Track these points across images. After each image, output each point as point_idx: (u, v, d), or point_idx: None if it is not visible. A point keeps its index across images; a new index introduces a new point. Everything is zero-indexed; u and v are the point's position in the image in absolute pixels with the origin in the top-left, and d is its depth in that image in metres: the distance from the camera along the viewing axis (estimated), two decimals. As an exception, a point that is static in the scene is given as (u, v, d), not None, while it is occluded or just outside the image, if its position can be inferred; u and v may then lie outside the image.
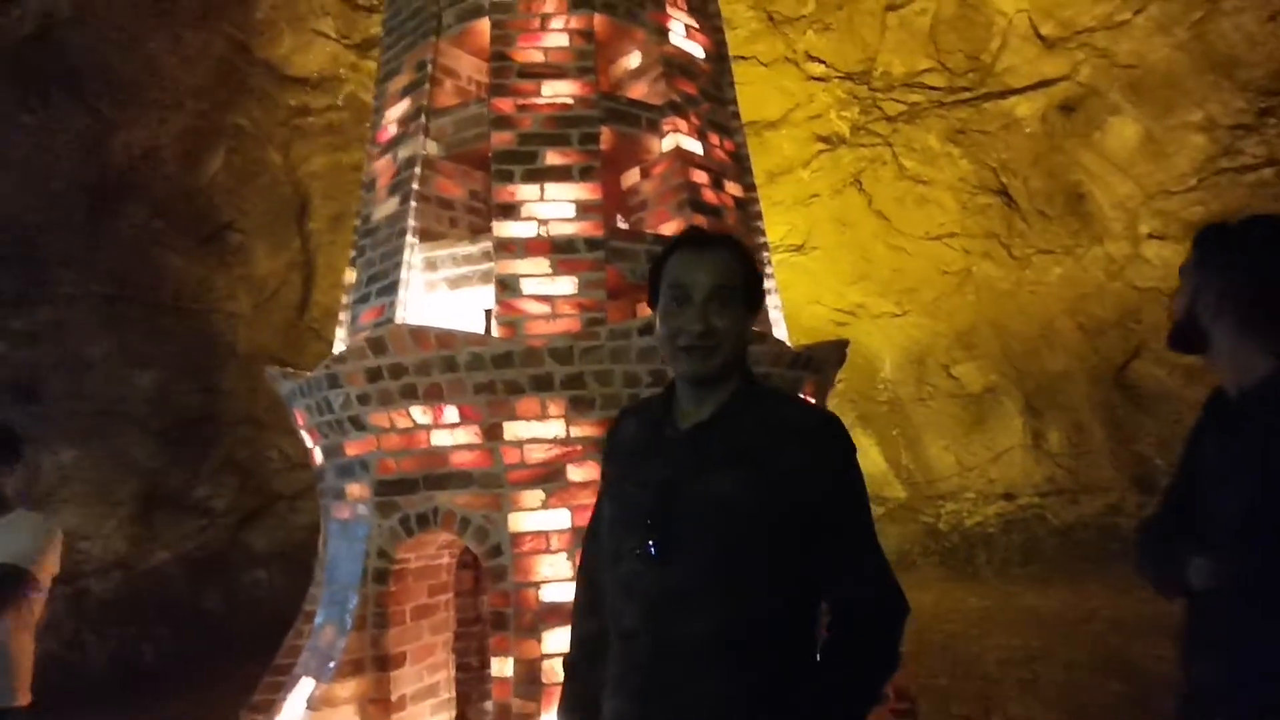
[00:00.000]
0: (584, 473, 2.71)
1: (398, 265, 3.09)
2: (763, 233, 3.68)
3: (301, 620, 3.22)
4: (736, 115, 3.74)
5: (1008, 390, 9.92)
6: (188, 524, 7.78)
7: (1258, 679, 1.35)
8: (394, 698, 2.79)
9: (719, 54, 3.75)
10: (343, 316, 3.49)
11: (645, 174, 3.42)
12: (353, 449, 2.95)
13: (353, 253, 3.50)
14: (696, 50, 3.56)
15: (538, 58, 3.17)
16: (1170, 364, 8.16)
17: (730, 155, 3.56)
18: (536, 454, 2.71)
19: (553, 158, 3.04)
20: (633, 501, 1.32)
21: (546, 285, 2.91)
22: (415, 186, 3.16)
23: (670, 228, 3.19)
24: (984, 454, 10.23)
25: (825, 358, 3.28)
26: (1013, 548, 9.69)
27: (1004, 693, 4.94)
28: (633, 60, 3.53)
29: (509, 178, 3.01)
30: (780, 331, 3.55)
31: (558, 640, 2.56)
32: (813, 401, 3.12)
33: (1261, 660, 1.34)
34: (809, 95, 8.52)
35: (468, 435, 2.74)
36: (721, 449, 1.28)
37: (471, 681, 3.51)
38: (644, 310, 3.17)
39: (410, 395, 2.74)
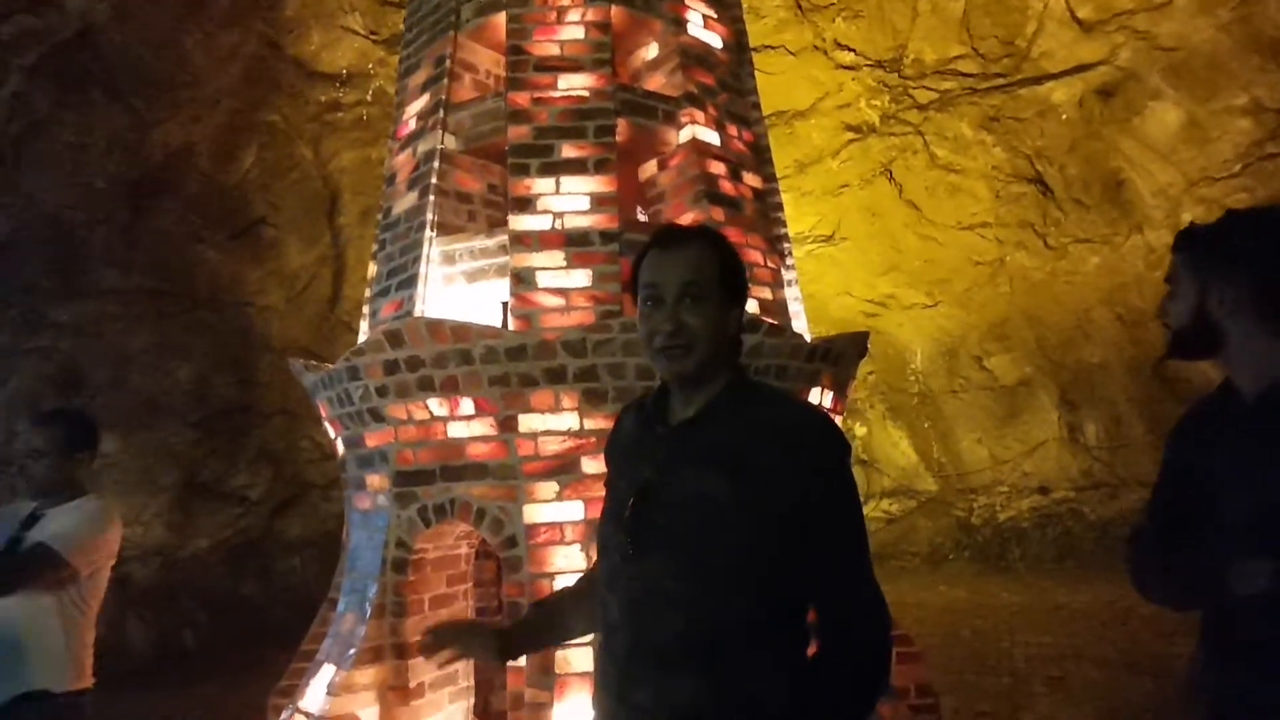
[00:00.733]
0: (598, 465, 2.71)
1: (417, 259, 3.12)
2: (784, 224, 3.64)
3: (326, 608, 3.27)
4: (756, 106, 3.70)
5: (1043, 382, 9.73)
6: (225, 512, 7.99)
7: None
8: (412, 685, 2.83)
9: (738, 44, 3.71)
10: (365, 310, 3.54)
11: (662, 166, 3.40)
12: (372, 440, 2.99)
13: (375, 247, 3.54)
14: (714, 40, 3.53)
15: (554, 51, 3.17)
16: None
17: (749, 146, 3.52)
18: (550, 446, 2.72)
19: (568, 150, 3.04)
20: (618, 498, 1.33)
21: (561, 278, 2.91)
22: (434, 181, 3.18)
23: (688, 220, 3.17)
24: (1018, 447, 10.06)
25: (844, 350, 3.22)
26: (1047, 543, 9.52)
27: (1032, 690, 4.86)
28: (650, 51, 3.51)
29: (525, 171, 3.02)
30: (800, 323, 3.51)
31: (571, 631, 2.57)
32: (814, 400, 3.07)
33: None
34: (838, 84, 8.41)
35: (483, 427, 2.76)
36: (701, 447, 1.27)
37: (492, 669, 3.55)
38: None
39: (427, 387, 2.77)
